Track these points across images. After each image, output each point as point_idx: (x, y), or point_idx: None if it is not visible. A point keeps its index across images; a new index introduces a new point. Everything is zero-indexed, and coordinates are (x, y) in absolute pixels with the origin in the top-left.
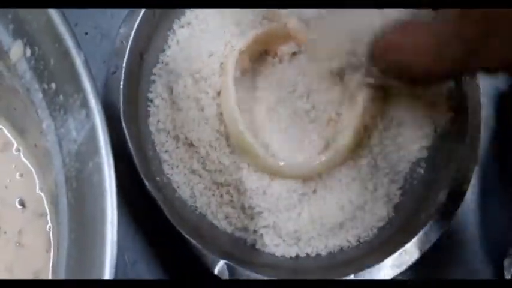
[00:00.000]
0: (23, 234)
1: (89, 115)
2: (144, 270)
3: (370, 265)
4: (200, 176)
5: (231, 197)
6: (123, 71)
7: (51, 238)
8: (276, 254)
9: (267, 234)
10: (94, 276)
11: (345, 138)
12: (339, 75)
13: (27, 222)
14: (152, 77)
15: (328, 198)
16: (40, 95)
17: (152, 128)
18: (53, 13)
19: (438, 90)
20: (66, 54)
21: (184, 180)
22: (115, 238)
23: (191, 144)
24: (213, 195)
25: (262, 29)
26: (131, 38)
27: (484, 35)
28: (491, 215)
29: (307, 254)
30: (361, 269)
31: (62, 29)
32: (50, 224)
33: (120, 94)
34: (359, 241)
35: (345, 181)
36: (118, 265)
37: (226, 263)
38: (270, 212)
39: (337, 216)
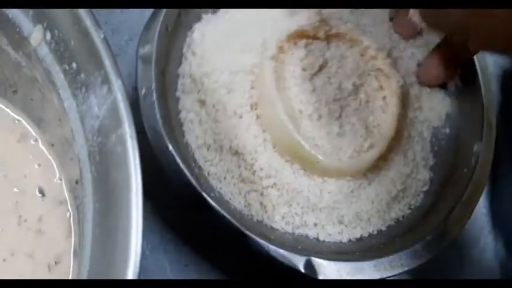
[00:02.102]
0: (43, 222)
1: (110, 90)
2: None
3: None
4: (252, 183)
5: (285, 198)
6: (154, 94)
7: (72, 224)
8: (343, 241)
9: (328, 225)
10: (121, 242)
11: (388, 128)
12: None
13: (47, 210)
14: (177, 94)
15: (380, 177)
16: (61, 76)
17: (193, 145)
18: None
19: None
20: (86, 33)
21: (234, 190)
22: (140, 203)
23: (236, 153)
24: (268, 199)
25: (287, 33)
26: (153, 58)
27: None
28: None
29: (370, 233)
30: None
31: (81, 9)
32: (70, 211)
33: (159, 119)
34: (411, 208)
35: (390, 157)
36: None
37: (308, 259)
38: (329, 203)
39: (391, 191)
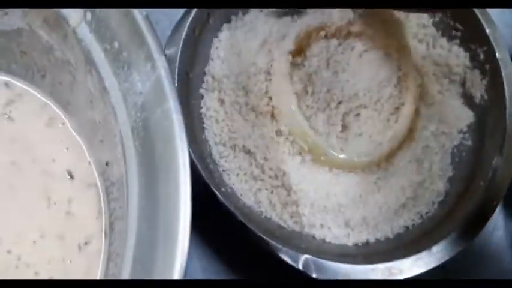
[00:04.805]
0: (73, 204)
1: (154, 67)
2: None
3: (438, 240)
4: (262, 181)
5: (293, 198)
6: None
7: (102, 206)
8: (348, 244)
9: (335, 228)
10: (170, 214)
11: (403, 122)
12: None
13: (76, 192)
14: (201, 91)
15: (390, 183)
16: (102, 55)
17: (211, 141)
18: None
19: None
20: (127, 13)
21: (246, 187)
22: (188, 173)
23: (248, 152)
24: (277, 198)
25: (300, 30)
26: (178, 59)
27: None
28: None
29: (377, 239)
30: (430, 246)
31: None
32: (100, 192)
33: None
34: (422, 218)
35: (403, 164)
36: None
37: (308, 257)
38: (336, 206)
39: (400, 198)
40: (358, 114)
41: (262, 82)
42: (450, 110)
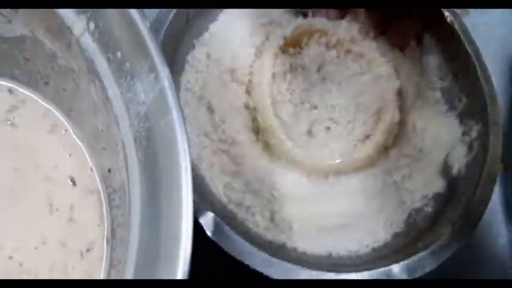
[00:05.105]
0: (75, 210)
1: (157, 78)
2: None
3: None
4: (211, 140)
5: (238, 167)
6: (164, 28)
7: (104, 212)
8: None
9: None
10: (173, 222)
11: (366, 153)
12: None
13: (79, 198)
14: (194, 41)
15: (336, 200)
16: (105, 65)
17: (182, 86)
18: None
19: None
20: (131, 23)
21: (196, 141)
22: (190, 182)
23: (211, 109)
24: (219, 162)
25: (301, 24)
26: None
27: None
28: None
29: (294, 248)
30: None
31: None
32: (102, 199)
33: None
34: (349, 250)
35: (351, 190)
36: None
37: (214, 217)
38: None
39: (333, 219)
40: (328, 128)
41: (251, 55)
42: (421, 171)
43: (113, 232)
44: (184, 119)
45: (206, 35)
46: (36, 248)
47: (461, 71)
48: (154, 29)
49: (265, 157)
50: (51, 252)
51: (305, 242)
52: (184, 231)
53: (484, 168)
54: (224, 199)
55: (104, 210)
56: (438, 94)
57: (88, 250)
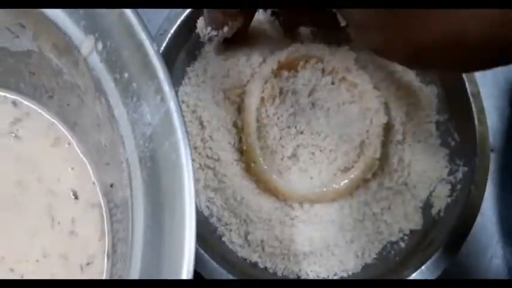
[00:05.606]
0: (76, 224)
1: (164, 99)
2: None
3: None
4: (199, 154)
5: (222, 185)
6: (170, 33)
7: (105, 227)
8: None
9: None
10: (176, 242)
11: (345, 185)
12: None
13: (80, 212)
14: (196, 52)
15: (310, 227)
16: (112, 85)
17: (178, 98)
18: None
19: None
20: (139, 45)
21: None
22: (193, 205)
23: (201, 122)
24: (204, 177)
25: (297, 49)
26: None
27: None
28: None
29: (266, 267)
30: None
31: (134, 22)
32: (103, 213)
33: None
34: (318, 276)
35: (326, 218)
36: None
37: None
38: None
39: (305, 246)
40: (313, 153)
41: (246, 76)
42: (401, 205)
43: (113, 247)
44: (189, 141)
45: (207, 48)
46: (37, 261)
47: (458, 110)
48: (159, 34)
49: (246, 178)
50: (52, 265)
51: (275, 265)
52: (186, 254)
53: (463, 214)
54: (206, 212)
55: (105, 224)
56: (433, 127)
57: (88, 264)
